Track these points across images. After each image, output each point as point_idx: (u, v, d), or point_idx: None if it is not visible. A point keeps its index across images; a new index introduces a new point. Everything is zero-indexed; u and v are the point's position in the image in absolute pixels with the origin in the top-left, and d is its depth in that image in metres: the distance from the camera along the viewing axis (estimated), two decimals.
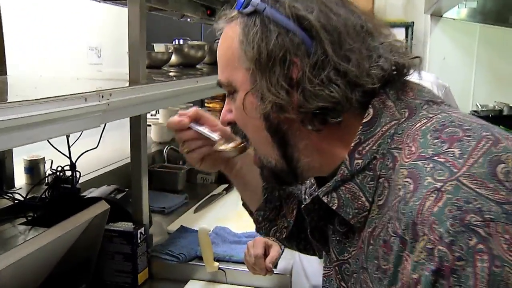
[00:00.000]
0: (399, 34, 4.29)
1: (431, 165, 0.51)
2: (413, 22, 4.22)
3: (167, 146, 2.31)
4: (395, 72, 0.62)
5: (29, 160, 1.65)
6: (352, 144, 0.61)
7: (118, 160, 2.01)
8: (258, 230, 0.93)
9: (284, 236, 0.90)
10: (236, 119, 0.70)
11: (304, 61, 0.60)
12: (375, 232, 0.58)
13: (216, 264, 1.42)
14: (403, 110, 0.61)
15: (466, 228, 0.46)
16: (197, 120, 0.83)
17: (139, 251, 1.38)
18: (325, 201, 0.63)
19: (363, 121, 0.61)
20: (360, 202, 0.61)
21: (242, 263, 1.39)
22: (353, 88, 0.60)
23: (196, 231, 1.52)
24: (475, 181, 0.47)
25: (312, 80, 0.59)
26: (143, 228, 1.40)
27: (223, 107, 2.76)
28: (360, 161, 0.61)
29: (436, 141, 0.53)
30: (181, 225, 1.68)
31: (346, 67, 0.59)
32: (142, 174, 1.47)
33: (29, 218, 1.35)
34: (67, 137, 1.45)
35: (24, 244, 1.04)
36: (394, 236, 0.53)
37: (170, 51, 2.37)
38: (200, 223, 1.74)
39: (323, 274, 0.75)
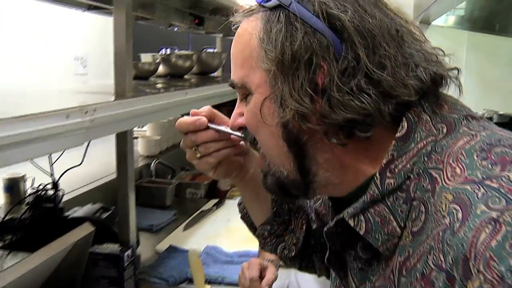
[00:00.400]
0: None
1: (482, 191, 0.45)
2: None
3: (155, 160, 2.23)
4: (432, 84, 0.56)
5: (8, 178, 1.56)
6: (384, 161, 0.54)
7: (103, 176, 1.93)
8: (263, 246, 0.85)
9: (293, 254, 0.82)
10: (248, 123, 0.63)
11: (332, 65, 0.53)
12: (409, 262, 0.52)
13: (208, 286, 1.35)
14: (440, 125, 0.54)
15: None
16: (211, 120, 0.75)
17: (126, 275, 1.30)
18: (351, 224, 0.56)
19: (396, 136, 0.54)
20: (390, 227, 0.54)
21: (235, 284, 1.32)
22: (387, 99, 0.53)
23: (186, 251, 1.45)
24: None
25: (341, 88, 0.53)
26: (130, 250, 1.32)
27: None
28: (392, 180, 0.54)
29: (485, 162, 0.47)
30: (170, 245, 1.60)
31: (380, 75, 0.53)
32: (129, 192, 1.39)
33: (7, 241, 1.26)
34: (49, 155, 1.37)
35: (1, 274, 0.96)
36: (437, 271, 0.46)
37: (157, 61, 2.31)
38: (190, 241, 1.67)
39: None
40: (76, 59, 4.39)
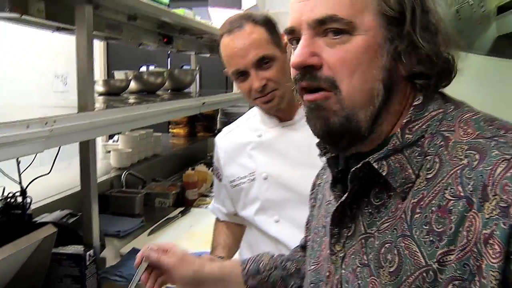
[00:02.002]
0: None
1: (494, 143, 0.58)
2: None
3: (125, 171, 2.35)
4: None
5: None
6: (404, 121, 0.66)
7: (73, 186, 2.04)
8: None
9: None
10: (345, 62, 0.64)
11: (423, 16, 0.65)
12: (423, 201, 0.62)
13: None
14: (448, 104, 0.67)
15: None
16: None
17: (88, 273, 1.41)
18: (376, 166, 0.65)
19: (414, 103, 0.66)
20: (407, 173, 0.64)
21: None
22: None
23: None
24: None
25: (428, 39, 0.65)
26: (92, 250, 1.44)
27: (186, 133, 2.86)
28: (410, 136, 0.65)
29: (491, 127, 0.61)
30: (133, 247, 1.72)
31: (445, 33, 0.66)
32: (92, 198, 1.51)
33: None
34: (18, 163, 1.48)
35: None
36: (455, 199, 0.57)
37: (129, 78, 2.44)
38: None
39: (311, 269, 0.80)
40: (57, 77, 4.51)
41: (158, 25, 2.19)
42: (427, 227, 0.60)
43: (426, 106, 0.66)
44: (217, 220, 1.52)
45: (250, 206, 1.32)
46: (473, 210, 0.55)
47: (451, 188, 0.58)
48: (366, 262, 0.67)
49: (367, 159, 0.66)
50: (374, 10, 0.64)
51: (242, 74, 1.22)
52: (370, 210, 0.69)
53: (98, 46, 4.62)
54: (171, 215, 2.16)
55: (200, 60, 3.45)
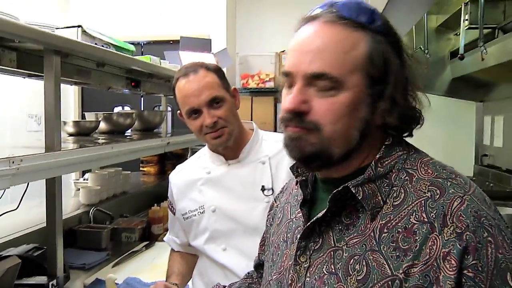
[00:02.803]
0: None
1: (449, 183, 0.73)
2: None
3: (93, 208, 2.46)
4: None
5: None
6: (377, 156, 0.79)
7: (41, 222, 2.14)
8: None
9: None
10: (331, 112, 0.75)
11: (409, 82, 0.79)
12: (390, 223, 0.74)
13: None
14: (410, 148, 0.82)
15: (481, 225, 0.68)
16: None
17: None
18: (354, 191, 0.77)
19: (386, 143, 0.80)
20: (377, 199, 0.77)
21: None
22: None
23: None
24: (479, 201, 0.71)
25: (402, 99, 0.78)
26: (55, 280, 1.54)
27: (157, 171, 3.03)
28: (381, 169, 0.78)
29: (444, 171, 0.76)
30: (96, 278, 1.82)
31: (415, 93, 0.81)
32: (57, 231, 1.62)
33: None
34: None
35: None
36: (419, 223, 0.71)
37: (99, 119, 2.57)
38: (115, 275, 1.88)
39: (274, 278, 0.90)
40: (31, 117, 4.61)
41: (126, 70, 2.35)
42: (393, 244, 0.72)
43: (394, 147, 0.81)
44: (172, 250, 1.65)
45: (201, 236, 1.45)
46: (435, 233, 0.69)
47: (416, 214, 0.72)
48: (333, 271, 0.78)
49: (346, 184, 0.77)
50: (362, 71, 0.75)
51: (195, 112, 1.37)
52: (340, 227, 0.80)
53: (73, 89, 4.76)
54: (136, 248, 2.27)
55: (172, 101, 3.59)
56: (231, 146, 1.42)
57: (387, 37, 0.77)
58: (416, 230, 0.71)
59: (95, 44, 1.88)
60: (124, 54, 2.08)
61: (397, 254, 0.71)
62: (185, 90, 1.38)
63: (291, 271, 0.85)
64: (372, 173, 0.78)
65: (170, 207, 1.58)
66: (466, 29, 2.53)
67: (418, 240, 0.70)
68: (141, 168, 3.83)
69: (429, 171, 0.76)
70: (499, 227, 0.70)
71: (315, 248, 0.83)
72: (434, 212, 0.70)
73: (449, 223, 0.68)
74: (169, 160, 3.82)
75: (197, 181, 1.48)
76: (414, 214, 0.72)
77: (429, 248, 0.69)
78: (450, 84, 3.55)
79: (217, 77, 1.40)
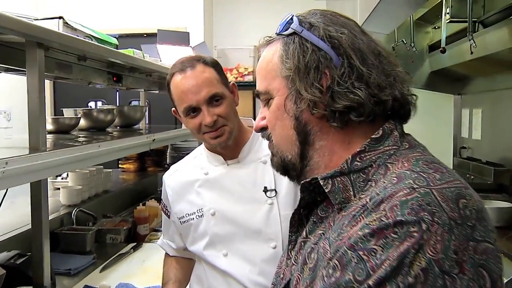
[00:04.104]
0: None
1: (415, 175, 0.67)
2: None
3: (75, 209, 2.35)
4: (400, 102, 0.79)
5: None
6: (357, 150, 0.77)
7: (20, 226, 2.02)
8: None
9: None
10: (269, 121, 0.85)
11: (332, 71, 0.76)
12: (347, 212, 0.72)
13: None
14: (404, 143, 0.78)
15: (416, 219, 0.60)
16: None
17: None
18: (321, 183, 0.77)
19: (372, 136, 0.77)
20: (347, 194, 0.75)
21: None
22: (373, 95, 0.76)
23: None
24: (442, 197, 0.63)
25: (340, 85, 0.76)
26: None
27: (136, 168, 2.93)
28: (359, 163, 0.76)
29: (425, 166, 0.70)
30: (85, 285, 1.73)
31: (368, 78, 0.76)
32: (43, 238, 1.52)
33: None
34: None
35: None
36: (360, 208, 0.68)
37: (78, 115, 2.46)
38: (105, 281, 1.80)
39: (275, 272, 0.94)
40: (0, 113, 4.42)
41: (107, 65, 2.25)
42: (339, 230, 0.71)
43: (383, 141, 0.77)
44: (167, 255, 1.57)
45: (199, 241, 1.37)
46: (362, 215, 0.66)
47: (364, 200, 0.69)
48: (298, 261, 0.81)
49: (316, 176, 0.79)
50: (281, 74, 0.81)
51: (194, 111, 1.29)
52: (314, 220, 0.82)
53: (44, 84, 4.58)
54: (123, 250, 2.17)
55: (148, 96, 3.50)
56: (230, 145, 1.34)
57: (305, 33, 0.80)
58: (355, 213, 0.69)
59: (77, 36, 1.78)
60: (108, 47, 1.98)
61: (336, 238, 0.70)
62: (182, 86, 1.28)
63: (283, 266, 0.89)
64: (346, 167, 0.76)
65: (165, 209, 1.49)
66: (448, 22, 2.54)
67: (351, 221, 0.68)
68: (120, 166, 3.71)
69: (405, 164, 0.72)
70: (452, 230, 0.60)
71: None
72: (375, 198, 0.67)
73: (379, 210, 0.64)
74: (149, 157, 3.72)
75: (194, 182, 1.39)
76: (364, 200, 0.70)
77: (350, 226, 0.67)
78: (428, 77, 3.58)
79: (215, 72, 1.32)
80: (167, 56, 3.48)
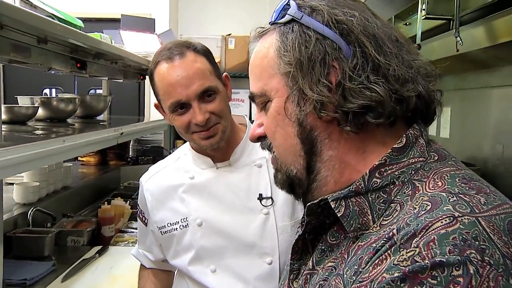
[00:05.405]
0: None
1: (455, 199, 0.54)
2: None
3: (32, 208, 2.11)
4: (425, 99, 0.65)
5: None
6: (376, 163, 0.62)
7: None
8: None
9: None
10: (267, 128, 0.70)
11: (343, 64, 0.62)
12: (366, 244, 0.59)
13: None
14: (432, 153, 0.64)
15: (461, 260, 0.47)
16: None
17: None
18: (332, 206, 0.63)
19: (393, 146, 0.63)
20: (365, 219, 0.62)
21: None
22: (394, 90, 0.61)
23: None
24: (492, 227, 0.50)
25: (353, 80, 0.61)
26: None
27: (97, 161, 2.69)
28: (379, 180, 0.62)
29: (464, 185, 0.56)
30: None
31: (387, 70, 0.61)
32: None
33: None
34: None
35: None
36: (385, 241, 0.54)
37: (36, 104, 2.22)
38: None
39: None
40: None
41: (71, 49, 2.03)
42: (356, 266, 0.57)
43: (407, 150, 0.63)
44: (142, 267, 1.38)
45: (183, 255, 1.20)
46: (388, 251, 0.53)
47: (391, 231, 0.55)
48: None
49: (325, 196, 0.65)
50: (279, 70, 0.66)
51: (182, 107, 1.11)
52: (323, 248, 0.69)
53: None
54: (87, 255, 1.96)
55: (110, 85, 3.29)
56: (222, 146, 1.18)
57: (306, 19, 0.65)
58: (379, 248, 0.55)
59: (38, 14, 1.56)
60: (74, 29, 1.77)
61: (354, 277, 0.57)
62: (169, 78, 1.10)
63: None
64: (363, 185, 0.63)
65: (141, 216, 1.31)
66: (423, 19, 2.50)
67: (372, 257, 0.55)
68: (79, 158, 3.45)
69: (439, 183, 0.58)
70: (509, 272, 0.47)
71: (304, 271, 0.73)
72: (406, 229, 0.53)
73: (411, 246, 0.51)
74: (111, 149, 3.48)
75: (178, 187, 1.22)
76: (389, 231, 0.56)
77: (372, 266, 0.54)
78: None
79: (208, 62, 1.14)
80: (131, 43, 3.28)
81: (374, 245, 0.57)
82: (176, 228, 1.20)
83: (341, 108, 0.62)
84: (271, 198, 1.16)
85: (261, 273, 1.14)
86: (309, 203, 0.68)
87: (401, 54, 0.64)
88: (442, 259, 0.47)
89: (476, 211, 0.52)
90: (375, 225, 0.61)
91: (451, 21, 2.58)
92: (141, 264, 1.39)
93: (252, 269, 1.14)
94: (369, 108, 0.61)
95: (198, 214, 1.18)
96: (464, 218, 0.51)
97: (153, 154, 3.41)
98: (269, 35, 0.69)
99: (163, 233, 1.23)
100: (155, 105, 1.21)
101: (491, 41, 1.82)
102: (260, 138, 0.73)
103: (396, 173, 0.62)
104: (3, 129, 1.75)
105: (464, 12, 2.41)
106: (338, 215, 0.63)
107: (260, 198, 1.16)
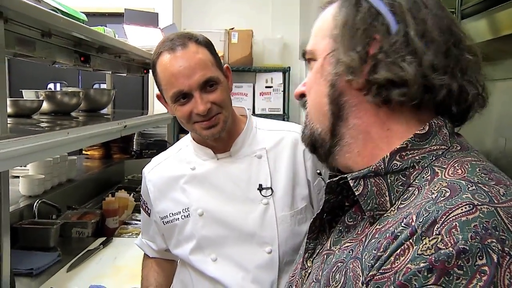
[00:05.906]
0: (277, 78, 4.55)
1: (474, 188, 0.54)
2: (290, 67, 4.50)
3: (37, 200, 2.14)
4: (456, 97, 0.65)
5: None
6: (398, 146, 0.64)
7: None
8: None
9: None
10: (307, 85, 0.74)
11: (384, 39, 0.64)
12: (384, 227, 0.60)
13: None
14: (455, 144, 0.65)
15: (482, 247, 0.48)
16: None
17: None
18: (351, 184, 0.65)
19: (416, 132, 0.64)
20: (382, 200, 0.63)
21: None
22: (424, 75, 0.62)
23: None
24: (510, 219, 0.50)
25: (388, 55, 0.63)
26: None
27: (101, 155, 2.73)
28: (399, 163, 0.64)
29: (484, 175, 0.57)
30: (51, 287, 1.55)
31: (423, 53, 0.63)
32: (3, 236, 1.34)
33: None
34: None
35: None
36: (405, 227, 0.55)
37: (41, 98, 2.24)
38: (73, 283, 1.63)
39: (287, 281, 0.83)
40: None
41: (74, 43, 2.05)
42: (375, 252, 0.58)
43: (430, 138, 0.65)
44: (146, 256, 1.41)
45: (185, 244, 1.22)
46: (410, 240, 0.53)
47: (409, 217, 0.56)
48: (319, 277, 0.69)
49: (345, 175, 0.67)
50: (330, 34, 0.70)
51: (184, 97, 1.12)
52: (341, 228, 0.71)
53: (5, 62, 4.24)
54: (91, 246, 1.99)
55: (120, 79, 3.30)
56: (223, 137, 1.19)
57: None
58: (398, 234, 0.55)
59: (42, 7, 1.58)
60: (78, 23, 1.78)
61: (372, 263, 0.57)
62: (172, 68, 1.11)
63: (297, 276, 0.79)
64: (383, 166, 0.64)
65: (144, 207, 1.33)
66: None
67: (391, 247, 0.55)
68: (83, 152, 3.48)
69: (459, 171, 0.59)
70: None
71: (320, 251, 0.75)
72: (425, 216, 0.53)
73: (433, 234, 0.51)
74: (115, 143, 3.51)
75: (179, 178, 1.23)
76: (408, 216, 0.56)
77: (395, 256, 0.53)
78: None
79: (209, 53, 1.16)
80: (134, 37, 3.29)
81: (391, 229, 0.58)
82: (178, 218, 1.22)
83: (369, 78, 0.64)
84: (271, 188, 1.18)
85: (261, 262, 1.16)
86: (328, 181, 0.71)
87: (447, 45, 0.65)
88: (465, 247, 0.48)
89: (495, 201, 0.53)
90: (393, 208, 0.62)
91: (454, 14, 2.59)
92: (144, 253, 1.41)
93: (252, 258, 1.16)
94: (395, 84, 0.63)
95: (199, 204, 1.20)
96: (484, 207, 0.51)
97: (157, 147, 3.43)
98: (336, 3, 0.72)
99: (165, 223, 1.25)
100: (157, 96, 1.22)
101: (493, 34, 1.82)
102: (302, 96, 0.76)
103: (417, 157, 0.63)
104: (9, 122, 1.78)
105: (466, 5, 2.41)
106: (356, 194, 0.65)
107: (260, 188, 1.18)
